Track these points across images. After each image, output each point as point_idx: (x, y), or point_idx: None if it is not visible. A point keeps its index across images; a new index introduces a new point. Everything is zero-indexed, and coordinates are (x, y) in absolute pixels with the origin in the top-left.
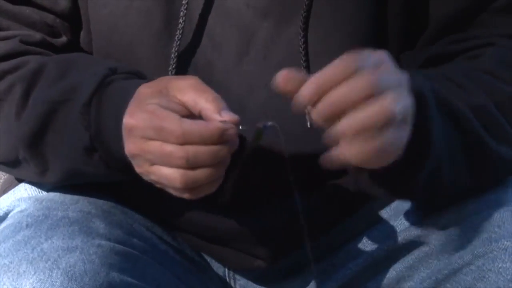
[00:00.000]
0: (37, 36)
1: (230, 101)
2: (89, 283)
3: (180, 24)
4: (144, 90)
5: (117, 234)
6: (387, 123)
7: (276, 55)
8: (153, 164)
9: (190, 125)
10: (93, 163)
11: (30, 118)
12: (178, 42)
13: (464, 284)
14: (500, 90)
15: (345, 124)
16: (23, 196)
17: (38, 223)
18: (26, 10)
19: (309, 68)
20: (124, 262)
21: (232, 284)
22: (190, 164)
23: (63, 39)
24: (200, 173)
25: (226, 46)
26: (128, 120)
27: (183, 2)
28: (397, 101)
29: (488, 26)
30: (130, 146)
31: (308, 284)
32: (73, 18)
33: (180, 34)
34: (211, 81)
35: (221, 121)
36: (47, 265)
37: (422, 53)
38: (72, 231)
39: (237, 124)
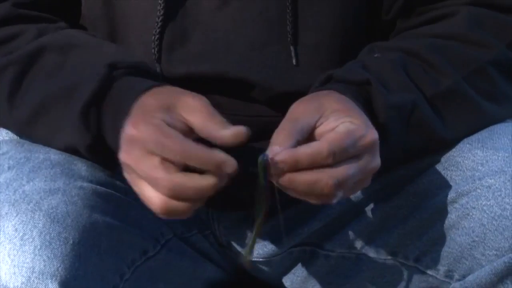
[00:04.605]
0: None
1: (217, 39)
2: (72, 224)
3: None
4: (150, 101)
5: (99, 176)
6: None
7: None
8: (140, 178)
9: (192, 148)
10: (92, 156)
11: (23, 106)
12: None
13: (448, 222)
14: (471, 60)
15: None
16: (4, 138)
17: (20, 165)
18: None
19: (297, 4)
20: (107, 204)
21: (216, 226)
22: (173, 195)
23: None
24: (179, 205)
25: None
26: (131, 130)
27: None
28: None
29: None
30: (125, 156)
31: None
32: None
33: None
34: (198, 20)
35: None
36: (29, 207)
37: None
38: (54, 173)
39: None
